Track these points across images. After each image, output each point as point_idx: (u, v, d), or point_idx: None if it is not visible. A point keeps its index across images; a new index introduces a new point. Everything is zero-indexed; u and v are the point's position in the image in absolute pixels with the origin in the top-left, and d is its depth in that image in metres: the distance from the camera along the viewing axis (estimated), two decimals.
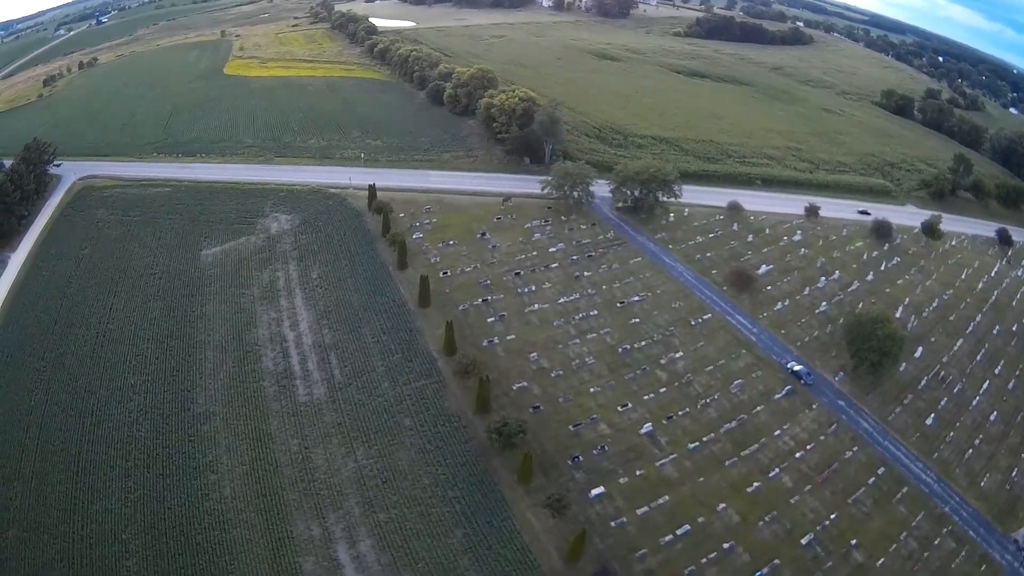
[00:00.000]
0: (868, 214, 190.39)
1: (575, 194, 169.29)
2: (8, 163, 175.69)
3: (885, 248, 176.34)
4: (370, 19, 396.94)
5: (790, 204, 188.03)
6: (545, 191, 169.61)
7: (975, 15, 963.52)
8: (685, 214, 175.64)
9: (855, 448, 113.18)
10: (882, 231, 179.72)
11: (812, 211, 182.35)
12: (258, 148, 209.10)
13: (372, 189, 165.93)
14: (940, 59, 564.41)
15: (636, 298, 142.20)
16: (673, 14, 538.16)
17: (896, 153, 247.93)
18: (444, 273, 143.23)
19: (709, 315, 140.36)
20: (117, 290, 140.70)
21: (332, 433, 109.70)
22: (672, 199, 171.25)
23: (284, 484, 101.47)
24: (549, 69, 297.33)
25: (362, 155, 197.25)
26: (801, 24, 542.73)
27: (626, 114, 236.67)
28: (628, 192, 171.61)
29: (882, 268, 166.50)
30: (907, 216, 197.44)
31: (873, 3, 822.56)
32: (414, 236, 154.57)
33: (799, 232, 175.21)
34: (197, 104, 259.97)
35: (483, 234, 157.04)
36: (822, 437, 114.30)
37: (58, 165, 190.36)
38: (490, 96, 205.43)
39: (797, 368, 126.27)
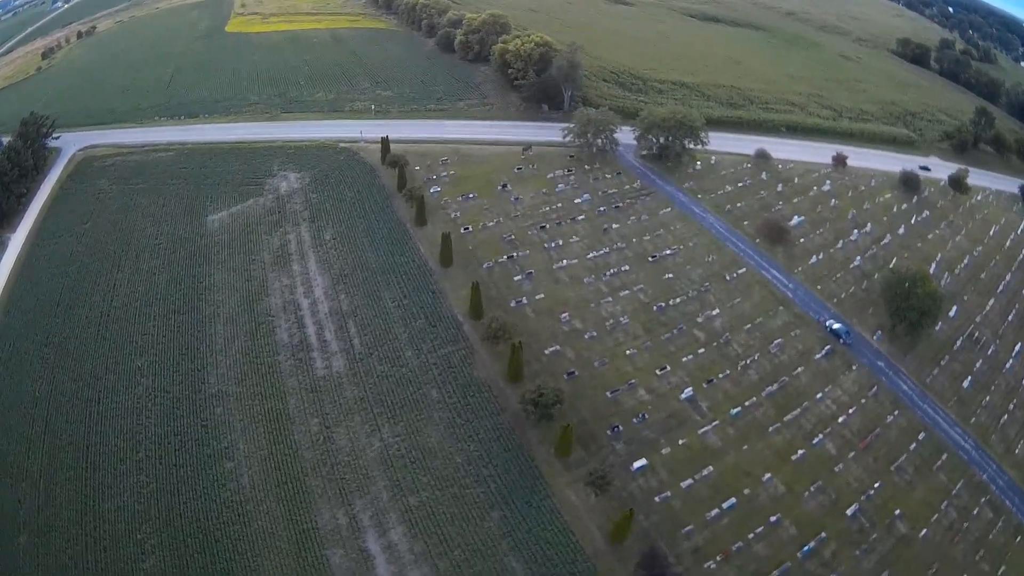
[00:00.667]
0: (928, 170, 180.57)
1: (599, 142, 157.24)
2: (7, 140, 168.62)
3: (914, 201, 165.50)
4: None
5: (817, 152, 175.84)
6: (567, 139, 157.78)
7: None
8: (712, 162, 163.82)
9: (896, 412, 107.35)
10: (910, 183, 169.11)
11: (840, 160, 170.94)
12: (263, 105, 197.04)
13: (385, 142, 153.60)
14: (950, 9, 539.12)
15: (668, 252, 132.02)
16: None
17: (916, 103, 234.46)
18: (465, 229, 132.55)
19: (744, 269, 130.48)
20: (120, 265, 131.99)
21: (354, 410, 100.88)
22: (699, 146, 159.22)
23: (306, 469, 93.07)
24: (560, 14, 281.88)
25: (373, 107, 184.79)
26: None
27: (644, 59, 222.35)
28: (654, 139, 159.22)
29: (912, 222, 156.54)
30: (933, 168, 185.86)
31: None
32: (432, 190, 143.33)
33: (828, 182, 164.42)
34: (199, 65, 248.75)
35: (504, 186, 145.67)
36: (863, 400, 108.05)
37: (57, 138, 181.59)
38: (504, 42, 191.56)
39: (836, 327, 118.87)
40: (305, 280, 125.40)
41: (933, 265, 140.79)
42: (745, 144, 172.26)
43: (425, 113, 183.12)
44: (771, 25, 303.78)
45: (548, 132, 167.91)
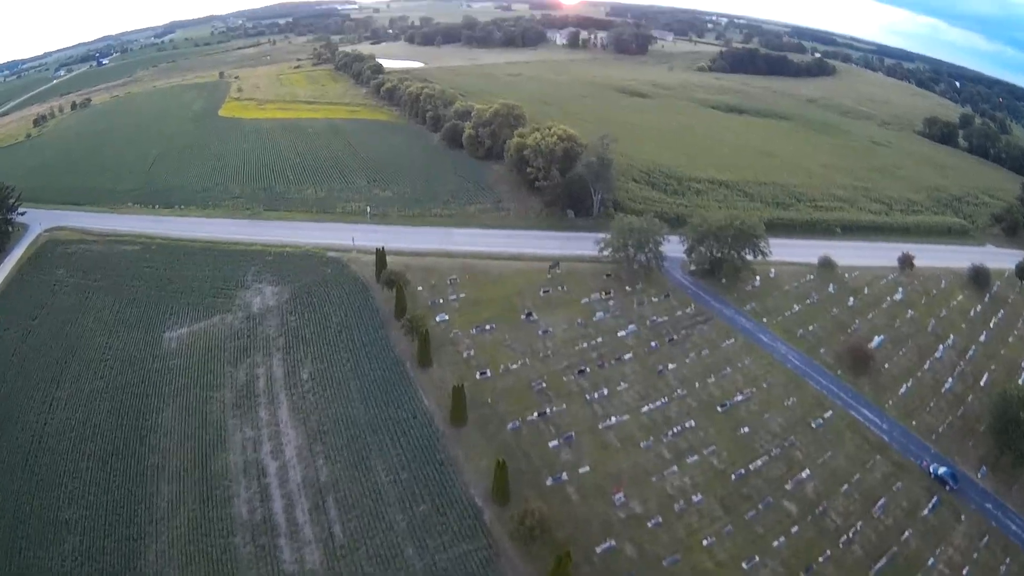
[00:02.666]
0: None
1: (642, 257, 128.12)
2: None
3: (987, 299, 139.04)
4: (377, 59, 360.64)
5: (879, 254, 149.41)
6: (603, 253, 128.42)
7: (974, 36, 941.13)
8: (772, 275, 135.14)
9: (1007, 560, 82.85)
10: (980, 279, 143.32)
11: (908, 262, 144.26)
12: (246, 199, 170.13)
13: (381, 254, 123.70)
14: (956, 84, 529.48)
15: (739, 397, 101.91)
16: (692, 49, 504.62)
17: (958, 186, 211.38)
18: (482, 373, 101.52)
19: (830, 412, 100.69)
20: (62, 378, 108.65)
21: None
22: (758, 258, 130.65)
23: None
24: (576, 107, 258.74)
25: (368, 209, 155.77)
26: (819, 55, 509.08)
27: (673, 154, 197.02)
28: (707, 252, 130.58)
29: (991, 325, 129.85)
30: (991, 257, 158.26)
31: (875, 33, 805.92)
32: (438, 318, 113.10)
33: (900, 289, 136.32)
34: (185, 148, 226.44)
35: (529, 314, 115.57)
36: (975, 555, 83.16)
37: (22, 214, 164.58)
38: (521, 136, 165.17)
39: (942, 471, 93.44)
40: (274, 433, 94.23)
41: (1022, 375, 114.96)
42: (802, 250, 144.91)
43: (429, 218, 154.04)
44: (795, 113, 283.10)
45: (577, 243, 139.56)
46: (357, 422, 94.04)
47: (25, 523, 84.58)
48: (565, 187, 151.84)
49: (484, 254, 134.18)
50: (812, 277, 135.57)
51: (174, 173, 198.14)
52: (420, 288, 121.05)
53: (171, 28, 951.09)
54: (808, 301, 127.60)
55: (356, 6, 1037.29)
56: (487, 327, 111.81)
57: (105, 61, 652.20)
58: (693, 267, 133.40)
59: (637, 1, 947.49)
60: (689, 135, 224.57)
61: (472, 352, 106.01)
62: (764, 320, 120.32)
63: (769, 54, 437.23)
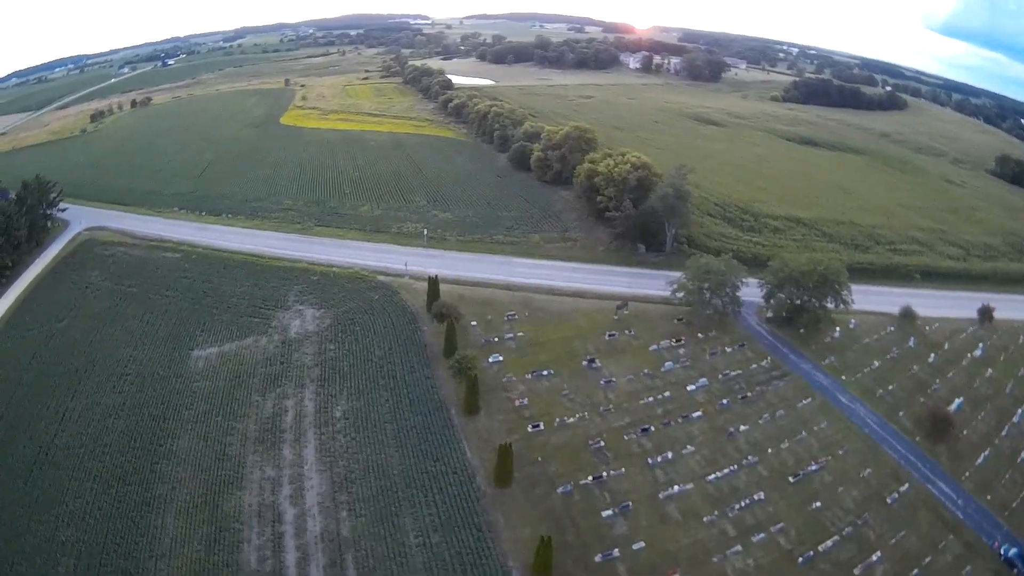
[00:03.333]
0: None
1: (718, 302, 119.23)
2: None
3: None
4: (446, 75, 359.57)
5: (958, 304, 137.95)
6: (676, 295, 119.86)
7: None
8: (851, 326, 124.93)
9: None
10: None
11: (987, 315, 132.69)
12: (297, 212, 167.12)
13: (433, 283, 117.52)
14: (1022, 120, 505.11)
15: (814, 466, 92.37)
16: (764, 78, 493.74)
17: None
18: (535, 427, 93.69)
19: (906, 485, 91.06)
20: (79, 388, 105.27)
21: None
22: (841, 307, 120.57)
23: None
24: (647, 133, 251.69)
25: (425, 231, 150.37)
26: (890, 88, 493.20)
27: (749, 188, 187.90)
28: (787, 298, 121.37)
29: None
30: None
31: (939, 67, 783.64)
32: (491, 359, 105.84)
33: (980, 345, 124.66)
34: (241, 155, 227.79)
35: (591, 360, 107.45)
36: None
37: (63, 210, 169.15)
38: (592, 161, 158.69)
39: (1012, 552, 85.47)
40: (296, 476, 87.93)
41: None
42: (882, 298, 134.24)
43: (490, 245, 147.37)
44: (869, 148, 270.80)
45: (647, 281, 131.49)
46: (390, 472, 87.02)
47: (21, 538, 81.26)
48: (637, 219, 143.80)
49: (546, 288, 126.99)
50: (892, 329, 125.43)
51: (226, 180, 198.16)
52: (474, 323, 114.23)
53: (241, 33, 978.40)
54: (888, 356, 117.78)
55: (429, 21, 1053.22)
56: (544, 373, 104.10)
57: (171, 62, 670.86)
58: (770, 314, 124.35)
59: (708, 28, 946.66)
60: (764, 167, 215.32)
61: (525, 401, 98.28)
62: (843, 377, 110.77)
63: (843, 86, 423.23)
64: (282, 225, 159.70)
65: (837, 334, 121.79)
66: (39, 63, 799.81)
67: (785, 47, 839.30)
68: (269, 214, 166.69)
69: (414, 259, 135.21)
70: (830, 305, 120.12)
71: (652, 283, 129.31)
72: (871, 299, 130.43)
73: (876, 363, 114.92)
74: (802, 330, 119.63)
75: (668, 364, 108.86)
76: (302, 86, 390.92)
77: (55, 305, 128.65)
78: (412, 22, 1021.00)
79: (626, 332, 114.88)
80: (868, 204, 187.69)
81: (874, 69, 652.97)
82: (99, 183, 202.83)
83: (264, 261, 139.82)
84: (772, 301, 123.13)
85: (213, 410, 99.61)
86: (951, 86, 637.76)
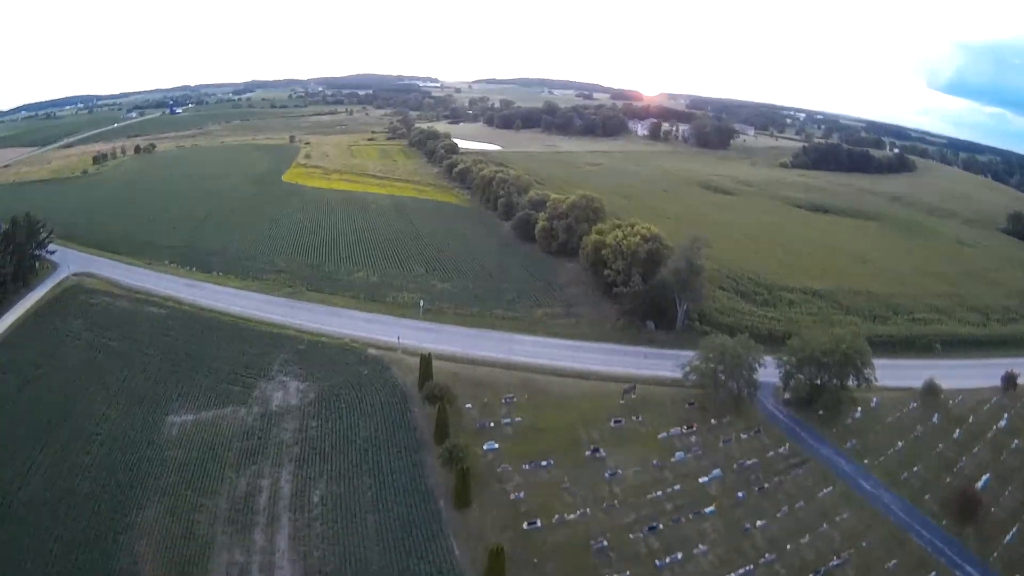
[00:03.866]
0: None
1: (733, 385, 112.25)
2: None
3: None
4: (452, 138, 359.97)
5: (981, 373, 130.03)
6: (688, 378, 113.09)
7: None
8: (873, 405, 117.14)
9: None
10: None
11: (1010, 382, 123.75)
12: (290, 275, 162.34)
13: (426, 361, 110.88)
14: None
15: (835, 562, 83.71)
16: (773, 144, 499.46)
17: None
18: (531, 523, 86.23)
19: (933, 574, 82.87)
20: (49, 442, 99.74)
21: None
22: (863, 385, 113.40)
23: None
24: (655, 201, 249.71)
25: (421, 302, 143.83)
26: (897, 150, 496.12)
27: (762, 259, 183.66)
28: (806, 379, 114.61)
29: None
30: None
31: (943, 127, 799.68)
32: (486, 446, 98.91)
33: (1005, 415, 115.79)
34: (238, 210, 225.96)
35: (595, 449, 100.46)
36: None
37: (52, 252, 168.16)
38: (599, 232, 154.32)
39: None
40: (267, 564, 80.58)
41: None
42: (903, 372, 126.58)
43: (490, 320, 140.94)
44: (881, 212, 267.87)
45: (657, 362, 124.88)
46: (368, 567, 79.58)
47: None
48: (647, 296, 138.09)
49: (548, 368, 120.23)
50: (915, 405, 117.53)
51: (220, 236, 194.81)
52: (469, 405, 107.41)
53: (251, 87, 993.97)
54: (912, 435, 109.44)
55: (438, 84, 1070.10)
56: (543, 463, 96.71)
57: (179, 110, 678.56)
58: (788, 395, 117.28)
59: (716, 95, 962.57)
60: (777, 236, 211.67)
61: (522, 494, 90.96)
62: (866, 461, 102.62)
63: (852, 150, 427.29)
64: (273, 287, 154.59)
65: (858, 414, 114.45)
66: (50, 99, 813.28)
67: (792, 112, 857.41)
68: (261, 275, 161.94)
69: (409, 332, 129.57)
70: (852, 384, 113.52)
71: (662, 364, 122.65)
72: (893, 373, 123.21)
73: (900, 443, 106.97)
74: (822, 412, 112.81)
75: (679, 454, 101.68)
76: (307, 143, 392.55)
77: (34, 351, 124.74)
78: (421, 84, 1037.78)
79: (633, 418, 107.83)
80: (884, 272, 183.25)
81: (880, 131, 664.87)
82: (93, 227, 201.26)
83: (251, 324, 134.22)
84: (791, 382, 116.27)
85: (183, 483, 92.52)
86: (957, 144, 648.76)
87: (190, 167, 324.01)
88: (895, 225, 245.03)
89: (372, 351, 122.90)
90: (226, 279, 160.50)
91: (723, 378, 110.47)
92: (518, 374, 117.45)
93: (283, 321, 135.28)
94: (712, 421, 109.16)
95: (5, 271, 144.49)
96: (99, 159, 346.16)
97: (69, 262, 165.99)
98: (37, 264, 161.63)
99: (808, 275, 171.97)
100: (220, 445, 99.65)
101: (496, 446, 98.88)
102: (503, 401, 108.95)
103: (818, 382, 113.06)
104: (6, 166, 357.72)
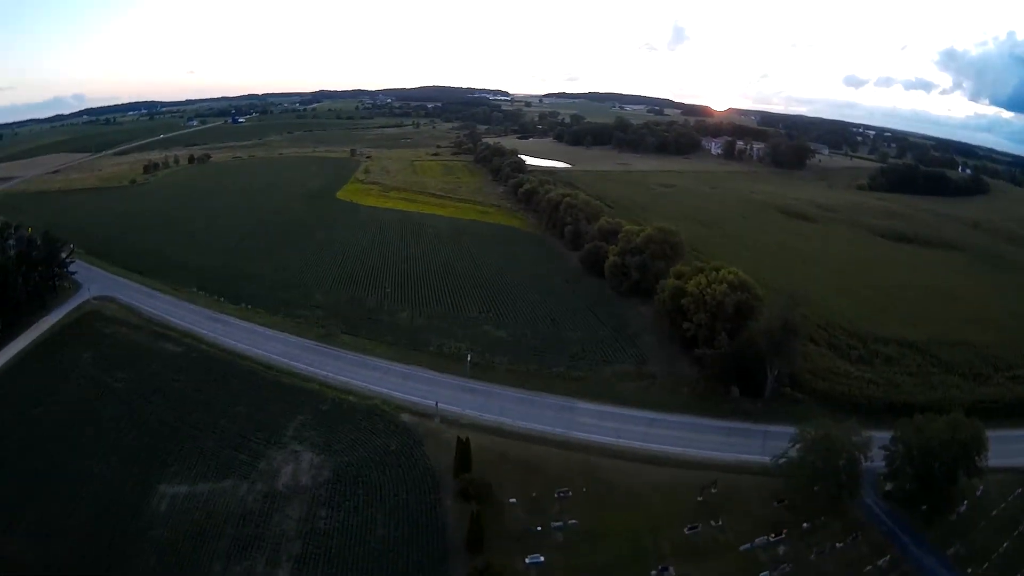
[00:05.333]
0: None
1: (835, 482, 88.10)
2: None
3: None
4: (519, 155, 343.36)
5: None
6: (778, 466, 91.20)
7: None
8: (978, 493, 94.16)
9: None
10: None
11: None
12: (325, 312, 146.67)
13: (463, 448, 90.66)
14: None
15: None
16: (848, 164, 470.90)
17: None
18: None
19: None
20: (34, 495, 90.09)
21: None
22: (974, 480, 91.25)
23: None
24: (734, 228, 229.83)
25: (469, 356, 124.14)
26: (969, 171, 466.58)
27: (850, 301, 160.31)
28: (916, 473, 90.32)
29: None
30: None
31: (1008, 145, 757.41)
32: (528, 560, 78.75)
33: None
34: (283, 231, 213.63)
35: (663, 569, 79.50)
36: None
37: (73, 273, 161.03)
38: (678, 275, 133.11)
39: None
40: None
41: None
42: (1009, 447, 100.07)
43: (548, 380, 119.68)
44: (963, 242, 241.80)
45: (741, 441, 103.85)
46: None
47: None
48: (735, 358, 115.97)
49: (614, 450, 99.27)
50: (1021, 491, 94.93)
51: (258, 259, 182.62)
52: (514, 500, 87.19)
53: (318, 97, 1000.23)
54: (1018, 531, 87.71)
55: (508, 98, 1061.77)
56: None
57: (241, 119, 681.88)
58: (890, 487, 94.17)
59: (784, 110, 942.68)
60: (864, 272, 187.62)
61: None
62: (969, 571, 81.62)
63: (930, 172, 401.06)
64: (305, 328, 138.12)
65: (963, 507, 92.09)
66: (113, 104, 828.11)
67: (861, 130, 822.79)
68: (294, 310, 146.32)
69: (451, 393, 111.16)
70: (963, 477, 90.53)
71: (748, 444, 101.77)
72: (999, 449, 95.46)
73: (1006, 544, 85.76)
74: (925, 507, 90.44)
75: (764, 573, 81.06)
76: (368, 157, 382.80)
77: (36, 385, 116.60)
78: (491, 98, 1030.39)
79: (712, 523, 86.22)
80: (977, 315, 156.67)
81: (948, 149, 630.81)
82: (127, 243, 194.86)
83: (271, 374, 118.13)
84: (900, 478, 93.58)
85: (165, 571, 77.86)
86: (1018, 162, 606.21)
87: (243, 179, 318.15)
88: (979, 257, 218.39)
89: (405, 417, 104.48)
90: (254, 313, 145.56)
91: (822, 467, 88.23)
92: (578, 456, 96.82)
93: (308, 371, 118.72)
94: (804, 525, 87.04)
95: (18, 293, 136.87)
96: (150, 168, 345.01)
97: (94, 282, 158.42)
98: (57, 284, 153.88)
99: (901, 321, 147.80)
100: (212, 529, 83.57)
101: (541, 560, 78.67)
102: (556, 495, 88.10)
103: (927, 476, 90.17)
104: (55, 172, 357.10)
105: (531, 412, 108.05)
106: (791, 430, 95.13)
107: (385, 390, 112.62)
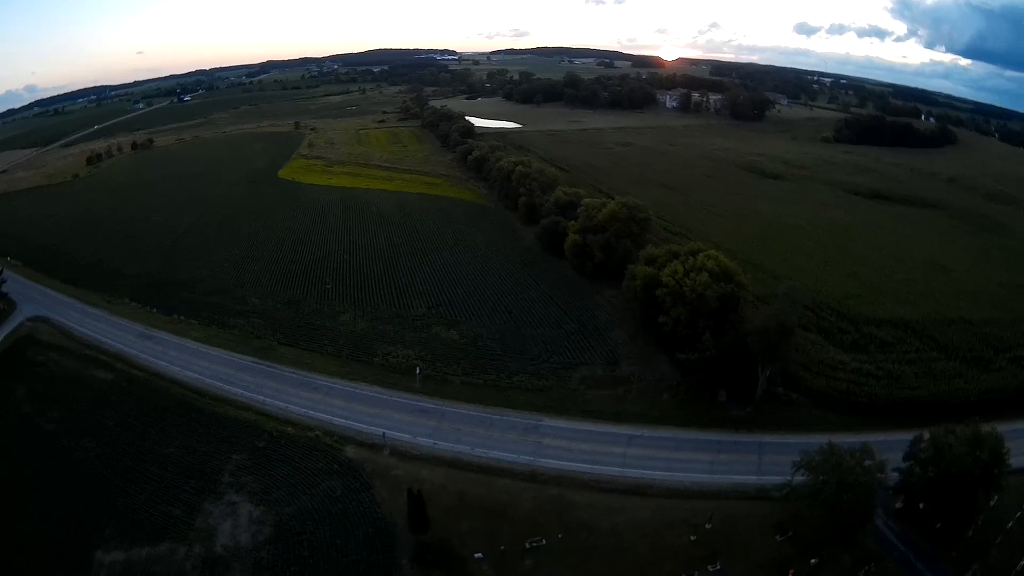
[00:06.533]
0: None
1: (846, 509, 73.64)
2: None
3: None
4: (468, 118, 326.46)
5: None
6: (783, 492, 79.01)
7: None
8: (993, 503, 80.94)
9: None
10: None
11: None
12: (262, 319, 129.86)
13: (416, 503, 74.58)
14: None
15: None
16: (809, 115, 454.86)
17: None
18: None
19: None
20: None
21: None
22: (995, 498, 79.15)
23: None
24: (701, 193, 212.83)
25: (418, 369, 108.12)
26: (932, 119, 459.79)
27: (836, 275, 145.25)
28: (935, 493, 77.56)
29: None
30: None
31: (966, 91, 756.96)
32: None
33: None
34: (224, 219, 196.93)
35: None
36: None
37: (4, 294, 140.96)
38: (649, 260, 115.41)
39: None
40: None
41: None
42: (1017, 442, 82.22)
43: (508, 392, 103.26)
44: (940, 199, 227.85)
45: (734, 457, 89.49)
46: None
47: None
48: (721, 362, 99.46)
49: (590, 480, 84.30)
50: None
51: (195, 258, 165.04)
52: (479, 555, 72.74)
53: (265, 68, 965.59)
54: None
55: (456, 57, 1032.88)
56: None
57: (187, 98, 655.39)
58: (900, 504, 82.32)
59: (735, 59, 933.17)
60: (846, 240, 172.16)
61: None
62: None
63: (895, 122, 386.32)
64: (240, 340, 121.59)
65: (979, 520, 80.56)
66: (65, 92, 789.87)
67: (816, 78, 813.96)
68: (229, 318, 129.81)
69: (400, 416, 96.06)
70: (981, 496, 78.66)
71: (741, 461, 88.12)
72: (1010, 444, 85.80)
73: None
74: (939, 525, 78.98)
75: None
76: (312, 130, 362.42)
77: None
78: (439, 58, 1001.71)
79: (709, 567, 72.75)
80: (968, 286, 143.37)
81: (906, 97, 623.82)
82: (66, 250, 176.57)
83: (204, 402, 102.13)
84: (912, 496, 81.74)
85: None
86: (986, 110, 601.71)
87: (184, 165, 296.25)
88: (960, 217, 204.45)
89: (350, 451, 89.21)
90: (187, 326, 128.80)
91: (834, 494, 75.16)
92: (549, 491, 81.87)
93: (243, 397, 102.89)
94: (812, 561, 74.00)
95: None
96: (93, 160, 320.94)
97: (30, 300, 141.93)
98: None
99: (893, 298, 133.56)
100: None
101: None
102: (528, 545, 73.75)
103: (944, 498, 78.29)
104: (3, 172, 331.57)
105: (491, 436, 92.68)
106: (788, 440, 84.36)
107: (327, 417, 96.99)
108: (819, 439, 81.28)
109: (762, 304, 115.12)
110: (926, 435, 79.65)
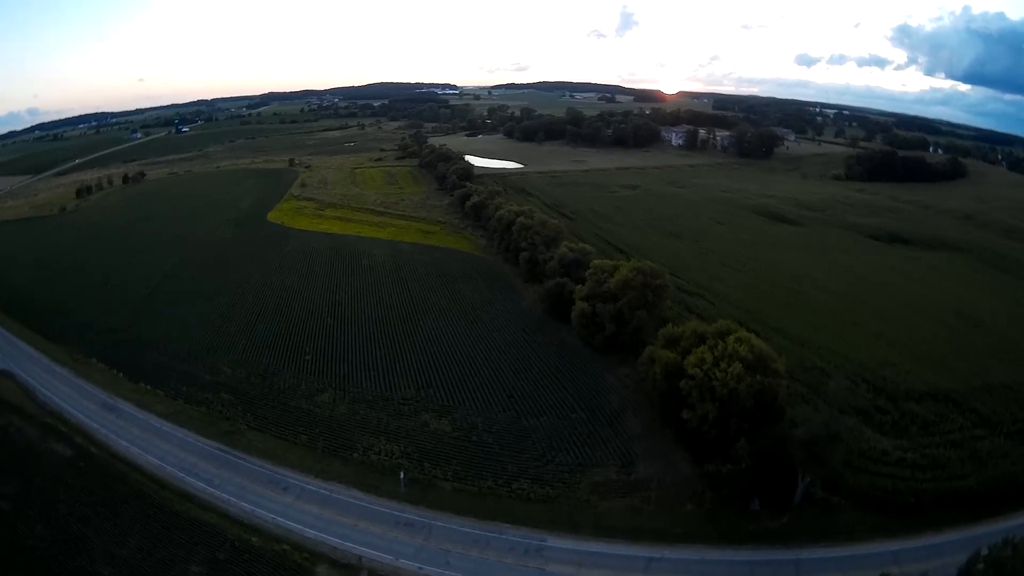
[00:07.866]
0: None
1: None
2: None
3: None
4: (467, 157, 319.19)
5: None
6: None
7: None
8: None
9: None
10: None
11: None
12: (232, 395, 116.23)
13: None
14: None
15: None
16: (817, 151, 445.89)
17: None
18: None
19: None
20: None
21: None
22: None
23: None
24: (712, 241, 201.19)
25: (403, 473, 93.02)
26: (941, 151, 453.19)
27: (866, 338, 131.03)
28: None
29: None
30: None
31: (966, 117, 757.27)
32: None
33: None
34: (205, 267, 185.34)
35: None
36: None
37: None
38: (671, 343, 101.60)
39: None
40: None
41: None
42: None
43: (508, 502, 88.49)
44: (958, 239, 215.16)
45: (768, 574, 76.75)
46: None
47: None
48: (756, 470, 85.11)
49: None
50: None
51: (168, 314, 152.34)
52: None
53: (267, 100, 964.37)
54: None
55: (456, 91, 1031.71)
56: None
57: (185, 129, 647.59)
58: None
59: (736, 91, 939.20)
60: (869, 294, 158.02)
61: None
62: None
63: (907, 157, 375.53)
64: (207, 420, 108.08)
65: None
66: (66, 116, 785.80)
67: (817, 109, 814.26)
68: (197, 392, 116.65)
69: (381, 530, 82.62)
70: None
71: None
72: None
73: None
74: None
75: None
76: (307, 167, 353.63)
77: None
78: (440, 92, 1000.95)
79: None
80: (1002, 342, 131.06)
81: (909, 127, 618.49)
82: (38, 294, 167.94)
83: (164, 496, 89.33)
84: None
85: None
86: (990, 137, 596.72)
87: (173, 201, 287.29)
88: (981, 258, 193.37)
89: (322, 572, 75.88)
90: (153, 397, 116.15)
91: None
92: None
93: (205, 494, 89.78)
94: None
95: None
96: (83, 192, 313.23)
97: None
98: None
99: (926, 361, 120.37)
100: None
101: None
102: None
103: None
104: None
105: (487, 561, 78.34)
106: (830, 554, 73.47)
107: (298, 527, 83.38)
108: (861, 550, 75.43)
109: (792, 380, 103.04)
110: (984, 551, 68.15)
